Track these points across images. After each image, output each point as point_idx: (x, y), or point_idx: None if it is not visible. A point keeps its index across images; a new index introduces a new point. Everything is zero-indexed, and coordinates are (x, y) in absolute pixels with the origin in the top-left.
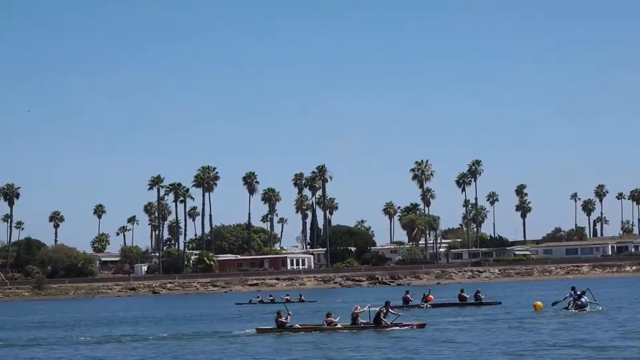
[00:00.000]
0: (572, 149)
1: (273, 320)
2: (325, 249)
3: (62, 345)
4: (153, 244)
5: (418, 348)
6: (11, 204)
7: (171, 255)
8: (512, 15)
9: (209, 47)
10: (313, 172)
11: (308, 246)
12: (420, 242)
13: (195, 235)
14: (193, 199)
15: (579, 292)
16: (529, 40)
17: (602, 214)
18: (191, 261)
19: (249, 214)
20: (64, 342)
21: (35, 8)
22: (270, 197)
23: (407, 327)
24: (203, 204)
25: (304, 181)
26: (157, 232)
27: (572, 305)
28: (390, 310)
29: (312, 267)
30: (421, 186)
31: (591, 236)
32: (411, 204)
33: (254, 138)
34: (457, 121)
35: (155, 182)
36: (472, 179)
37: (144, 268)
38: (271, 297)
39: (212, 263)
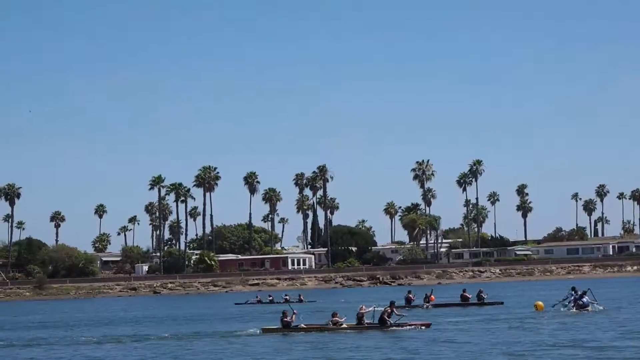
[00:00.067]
0: (573, 149)
1: (270, 321)
2: (326, 249)
3: (63, 345)
4: (154, 244)
5: (418, 348)
6: (12, 204)
7: (172, 255)
8: (512, 15)
9: (209, 47)
10: (314, 172)
11: (309, 246)
12: (421, 242)
13: (196, 235)
14: (194, 198)
15: (579, 292)
16: (529, 40)
17: (603, 213)
18: (192, 261)
19: (250, 213)
20: (65, 342)
21: (35, 8)
22: (271, 197)
23: (412, 327)
24: (204, 204)
25: (304, 181)
26: (158, 232)
27: (573, 305)
28: (394, 310)
29: (313, 267)
30: (422, 186)
31: (592, 236)
32: (412, 204)
33: (255, 138)
34: (458, 121)
35: (156, 182)
36: (473, 179)
37: (145, 268)
38: (270, 297)
39: (213, 263)
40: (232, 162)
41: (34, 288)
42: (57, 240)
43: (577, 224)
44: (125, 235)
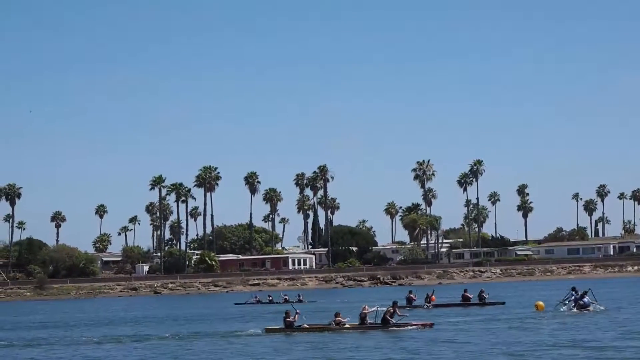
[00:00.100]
0: (573, 149)
1: (270, 321)
2: (326, 249)
3: (63, 345)
4: (154, 244)
5: (418, 348)
6: (13, 204)
7: (173, 255)
8: (512, 15)
9: (209, 47)
10: (314, 172)
11: (309, 246)
12: (421, 242)
13: (197, 235)
14: (195, 199)
15: (580, 293)
16: (529, 40)
17: (603, 214)
18: (193, 261)
19: (251, 214)
20: (65, 342)
21: (35, 8)
22: (272, 197)
23: (415, 327)
24: (204, 204)
25: (305, 181)
26: (158, 232)
27: (574, 305)
28: (397, 310)
29: (314, 267)
30: (423, 186)
31: (593, 236)
32: (413, 204)
33: (255, 138)
34: (458, 121)
35: (157, 182)
36: (474, 179)
37: (146, 268)
38: (270, 298)
39: (213, 263)
40: (232, 162)
41: (35, 288)
42: (57, 241)
43: (577, 224)
44: (125, 235)
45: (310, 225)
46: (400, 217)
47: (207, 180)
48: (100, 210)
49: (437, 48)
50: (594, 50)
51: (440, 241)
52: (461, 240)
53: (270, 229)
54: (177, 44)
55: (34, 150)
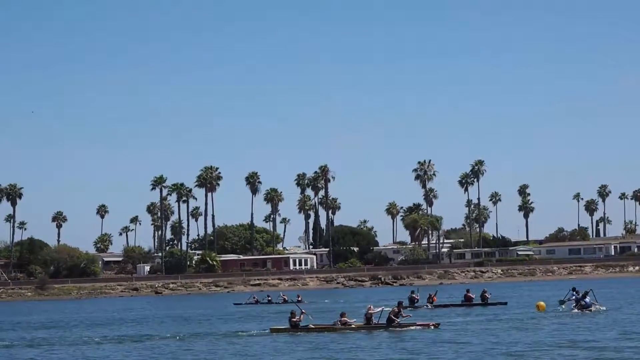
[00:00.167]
0: (575, 149)
1: (270, 320)
2: (327, 249)
3: (63, 345)
4: (156, 244)
5: (419, 348)
6: (14, 204)
7: (174, 256)
8: (512, 15)
9: (209, 47)
10: (315, 172)
11: (310, 246)
12: (422, 242)
13: (198, 235)
14: (196, 199)
15: (581, 293)
16: (529, 40)
17: (604, 214)
18: (194, 261)
19: (252, 214)
20: (65, 342)
21: (35, 8)
22: (273, 197)
23: (420, 327)
24: (206, 204)
25: (306, 181)
26: (159, 232)
27: (574, 305)
28: (402, 310)
29: (315, 267)
30: (424, 186)
31: (594, 236)
32: (414, 204)
33: (256, 138)
34: (459, 121)
35: (158, 182)
36: (475, 179)
37: (147, 268)
38: (269, 298)
39: (214, 263)
40: (233, 162)
41: (36, 288)
42: (58, 241)
43: (579, 224)
44: (127, 235)
45: (311, 226)
46: (401, 217)
47: (208, 180)
48: (102, 211)
49: (438, 48)
50: (595, 51)
51: (441, 241)
52: (462, 240)
53: (271, 229)
54: (178, 43)
55: (35, 150)
